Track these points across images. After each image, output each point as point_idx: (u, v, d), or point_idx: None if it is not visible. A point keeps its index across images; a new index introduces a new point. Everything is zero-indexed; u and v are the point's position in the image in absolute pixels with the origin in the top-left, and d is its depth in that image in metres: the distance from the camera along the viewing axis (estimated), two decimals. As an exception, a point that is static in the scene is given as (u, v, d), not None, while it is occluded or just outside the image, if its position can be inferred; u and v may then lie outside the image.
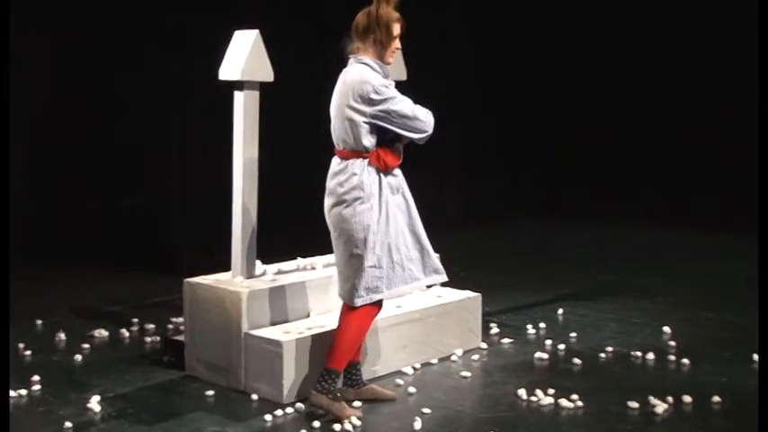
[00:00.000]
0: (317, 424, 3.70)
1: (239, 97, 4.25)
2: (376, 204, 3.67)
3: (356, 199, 3.66)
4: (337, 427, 3.67)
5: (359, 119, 3.64)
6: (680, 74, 8.26)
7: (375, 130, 3.67)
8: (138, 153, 6.71)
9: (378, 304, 3.78)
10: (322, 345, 4.07)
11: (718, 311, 5.39)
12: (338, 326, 3.79)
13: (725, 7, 7.91)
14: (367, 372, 4.22)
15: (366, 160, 3.68)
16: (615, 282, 6.22)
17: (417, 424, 3.68)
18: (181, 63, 6.42)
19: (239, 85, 4.23)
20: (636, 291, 5.92)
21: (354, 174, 3.67)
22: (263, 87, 4.28)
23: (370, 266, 3.66)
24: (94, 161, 6.84)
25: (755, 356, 4.50)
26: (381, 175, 3.69)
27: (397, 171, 3.78)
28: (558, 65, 8.89)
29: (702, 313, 5.36)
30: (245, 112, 4.24)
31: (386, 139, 3.71)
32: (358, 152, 3.68)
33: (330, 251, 4.91)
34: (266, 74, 4.24)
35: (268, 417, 3.80)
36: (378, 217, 3.67)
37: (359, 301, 3.70)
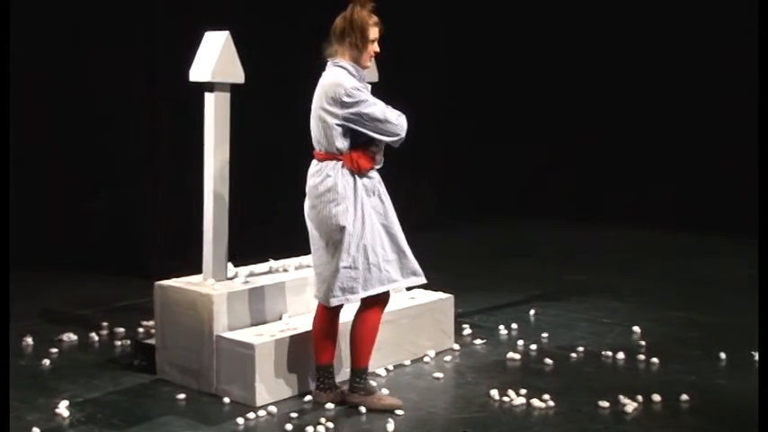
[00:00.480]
0: (289, 427, 3.69)
1: (210, 99, 4.23)
2: (351, 206, 3.69)
3: (331, 201, 3.70)
4: (310, 429, 3.66)
5: (332, 121, 3.67)
6: (649, 70, 8.30)
7: (348, 132, 3.69)
8: (107, 154, 6.65)
9: (381, 300, 3.81)
10: (295, 347, 4.07)
11: (686, 311, 5.46)
12: (352, 328, 3.87)
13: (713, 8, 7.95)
14: (339, 373, 4.21)
15: (340, 162, 3.71)
16: (586, 282, 6.27)
17: (390, 426, 3.69)
18: (150, 63, 6.38)
19: (210, 87, 4.20)
20: (606, 291, 5.98)
21: (329, 176, 3.71)
22: (233, 89, 4.27)
23: (345, 267, 3.69)
24: (63, 163, 6.76)
25: (723, 355, 4.57)
26: (356, 177, 3.71)
27: (374, 173, 3.79)
28: (530, 65, 8.91)
29: (671, 313, 5.42)
30: (215, 114, 4.22)
31: (360, 141, 3.72)
32: (332, 154, 3.72)
33: (302, 253, 4.93)
34: (237, 75, 4.22)
35: (240, 420, 3.78)
36: (353, 218, 3.69)
37: (334, 302, 3.73)
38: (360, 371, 3.88)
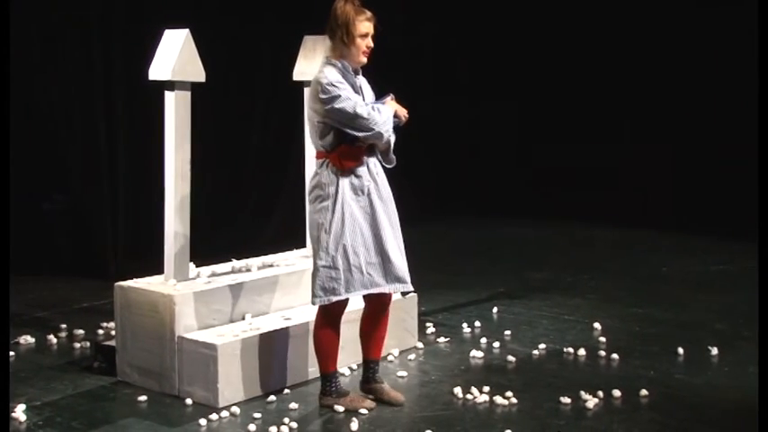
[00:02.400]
0: (252, 427, 3.68)
1: (170, 98, 4.19)
2: (331, 204, 3.69)
3: (317, 198, 3.74)
4: (273, 429, 3.66)
5: (315, 118, 3.72)
6: (621, 68, 8.34)
7: (331, 129, 3.68)
8: (64, 154, 6.54)
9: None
10: (258, 347, 4.06)
11: (645, 308, 5.55)
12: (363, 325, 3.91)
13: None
14: (304, 372, 4.22)
15: (326, 160, 3.72)
16: (547, 280, 6.34)
17: (354, 425, 3.69)
18: (108, 62, 6.30)
19: (170, 86, 4.17)
20: (567, 288, 6.06)
21: (317, 173, 3.75)
22: (194, 87, 4.24)
23: (324, 266, 3.68)
24: (18, 162, 6.64)
25: (680, 350, 4.65)
26: (340, 175, 3.69)
27: (363, 172, 3.73)
28: (492, 62, 8.93)
29: (630, 310, 5.51)
30: (176, 113, 4.19)
31: (347, 139, 3.70)
32: (322, 152, 3.74)
33: (265, 252, 4.92)
34: (197, 74, 4.19)
35: (203, 421, 3.76)
36: (331, 217, 3.68)
37: (316, 301, 3.72)
38: (323, 375, 3.87)
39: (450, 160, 9.00)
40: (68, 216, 6.58)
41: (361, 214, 3.72)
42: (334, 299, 3.70)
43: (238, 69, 7.01)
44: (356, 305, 4.49)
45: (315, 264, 3.73)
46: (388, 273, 3.74)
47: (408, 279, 3.79)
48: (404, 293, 3.86)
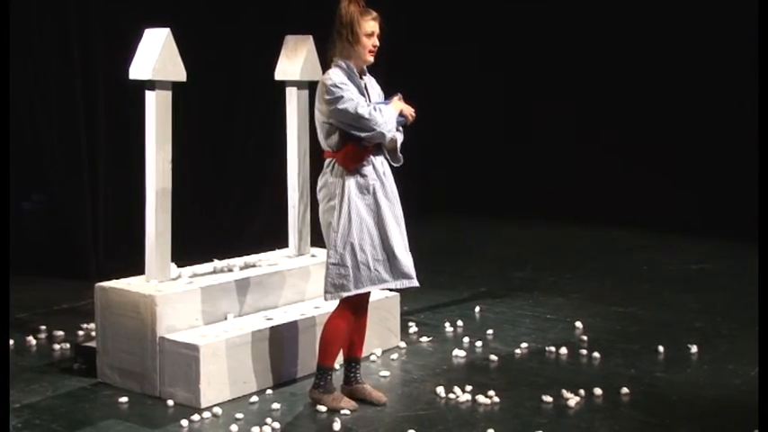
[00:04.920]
0: (234, 428, 3.67)
1: (151, 97, 4.17)
2: (338, 204, 3.73)
3: (325, 197, 3.80)
4: (256, 429, 3.65)
5: (321, 119, 3.76)
6: (600, 69, 8.35)
7: (336, 130, 3.72)
8: (43, 154, 6.48)
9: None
10: (240, 347, 4.04)
11: (626, 306, 5.58)
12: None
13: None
14: (286, 372, 4.21)
15: (333, 160, 3.76)
16: (529, 279, 6.36)
17: (337, 425, 3.69)
18: (89, 61, 6.25)
19: (151, 85, 4.15)
20: (549, 288, 6.08)
21: (325, 173, 3.80)
22: (175, 87, 4.22)
23: (333, 264, 3.73)
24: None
25: (661, 348, 4.69)
26: (346, 175, 3.73)
27: (369, 171, 3.75)
28: (475, 61, 8.91)
29: (612, 308, 5.53)
30: (156, 113, 4.17)
31: (352, 139, 3.72)
32: (330, 152, 3.77)
33: (247, 252, 4.90)
34: (178, 73, 4.17)
35: (184, 422, 3.75)
36: (338, 216, 3.72)
37: (327, 297, 3.77)
38: (320, 367, 3.89)
39: (431, 162, 8.99)
40: (48, 216, 6.52)
41: (368, 212, 3.75)
42: (344, 294, 3.75)
43: (220, 69, 6.97)
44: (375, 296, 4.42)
45: (326, 261, 3.78)
46: (395, 269, 3.78)
47: (414, 275, 3.85)
48: (410, 289, 3.91)
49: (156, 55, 4.07)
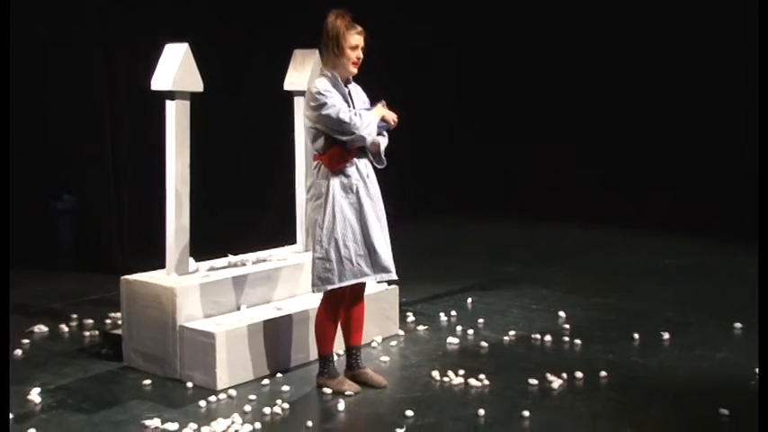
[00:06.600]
0: (248, 408, 3.68)
1: (171, 106, 4.18)
2: (323, 202, 3.73)
3: (312, 196, 3.79)
4: (267, 410, 3.66)
5: (308, 124, 3.77)
6: (576, 71, 8.27)
7: (321, 134, 3.72)
8: (74, 159, 6.51)
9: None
10: (252, 335, 4.06)
11: (604, 297, 5.58)
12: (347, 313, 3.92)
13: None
14: (295, 358, 4.22)
15: (320, 162, 3.77)
16: (517, 273, 6.36)
17: (341, 405, 3.70)
18: (112, 74, 6.26)
19: (171, 95, 4.16)
20: (535, 280, 6.08)
21: (313, 174, 3.80)
22: (193, 97, 4.23)
23: (319, 258, 3.72)
24: (32, 164, 6.60)
25: (636, 336, 4.69)
26: (331, 176, 3.72)
27: (352, 172, 3.74)
28: (462, 61, 8.80)
29: (592, 299, 5.54)
30: (176, 121, 4.18)
31: (337, 142, 3.72)
32: (317, 155, 3.78)
33: (259, 248, 4.91)
34: (196, 84, 4.18)
35: (202, 403, 3.75)
36: (323, 214, 3.72)
37: (314, 289, 3.77)
38: (320, 356, 3.90)
39: (426, 167, 8.96)
40: (78, 216, 6.54)
41: (351, 211, 3.74)
42: (329, 287, 3.74)
43: (234, 80, 6.98)
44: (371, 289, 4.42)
45: (312, 256, 3.76)
46: (375, 263, 3.77)
47: (393, 269, 3.82)
48: (388, 283, 3.88)
49: (175, 68, 4.08)
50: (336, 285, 3.72)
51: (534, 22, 8.54)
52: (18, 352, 4.44)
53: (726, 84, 7.60)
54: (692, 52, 7.75)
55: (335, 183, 3.71)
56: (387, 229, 3.84)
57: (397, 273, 3.85)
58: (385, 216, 3.85)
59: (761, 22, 3.84)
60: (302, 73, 4.63)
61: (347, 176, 3.73)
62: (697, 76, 7.76)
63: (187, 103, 4.21)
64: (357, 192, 3.74)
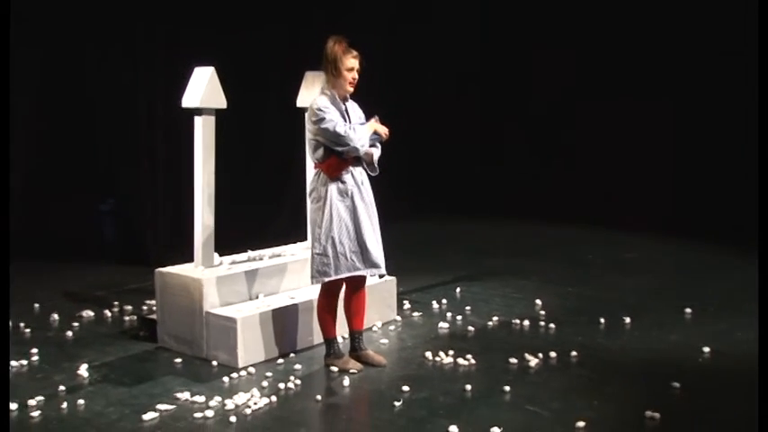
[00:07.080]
0: (265, 384, 3.70)
1: (198, 121, 4.20)
2: (322, 205, 3.74)
3: (313, 200, 3.81)
4: (282, 385, 3.67)
5: (309, 135, 3.77)
6: (578, 67, 7.88)
7: (321, 145, 3.73)
8: (115, 167, 6.53)
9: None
10: (269, 320, 4.07)
11: (576, 286, 5.58)
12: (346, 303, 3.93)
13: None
14: (305, 340, 4.23)
15: (319, 170, 3.78)
16: (500, 265, 6.36)
17: (346, 381, 3.72)
18: (150, 95, 6.28)
19: (198, 111, 4.18)
20: (516, 272, 6.07)
21: (313, 181, 3.82)
22: (218, 113, 4.24)
23: (318, 254, 3.74)
24: (83, 173, 6.64)
25: (602, 320, 4.69)
26: (329, 182, 3.73)
27: (348, 179, 3.75)
28: (451, 64, 8.50)
29: (564, 288, 5.53)
30: (203, 134, 4.20)
31: (335, 152, 3.73)
32: (317, 163, 3.79)
33: (276, 244, 4.92)
34: (220, 102, 4.20)
35: (226, 379, 3.78)
36: (322, 215, 3.73)
37: (313, 281, 3.78)
38: (325, 340, 3.92)
39: (420, 169, 8.93)
40: (119, 217, 6.57)
41: (346, 213, 3.76)
42: (326, 280, 3.75)
43: (253, 98, 6.99)
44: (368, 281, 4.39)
45: (312, 252, 3.77)
46: (367, 259, 3.77)
47: (383, 265, 3.83)
48: (380, 276, 3.89)
49: (203, 87, 4.10)
50: (333, 278, 3.74)
51: (533, 19, 8.04)
52: (69, 333, 4.47)
53: (726, 84, 7.04)
54: (691, 52, 7.25)
55: (333, 188, 3.73)
56: (378, 229, 3.85)
57: (394, 266, 3.87)
58: (377, 218, 3.86)
59: (761, 22, 3.62)
60: (312, 92, 4.62)
61: (343, 182, 3.75)
62: (697, 76, 7.24)
63: (212, 119, 4.22)
64: (352, 196, 3.76)
